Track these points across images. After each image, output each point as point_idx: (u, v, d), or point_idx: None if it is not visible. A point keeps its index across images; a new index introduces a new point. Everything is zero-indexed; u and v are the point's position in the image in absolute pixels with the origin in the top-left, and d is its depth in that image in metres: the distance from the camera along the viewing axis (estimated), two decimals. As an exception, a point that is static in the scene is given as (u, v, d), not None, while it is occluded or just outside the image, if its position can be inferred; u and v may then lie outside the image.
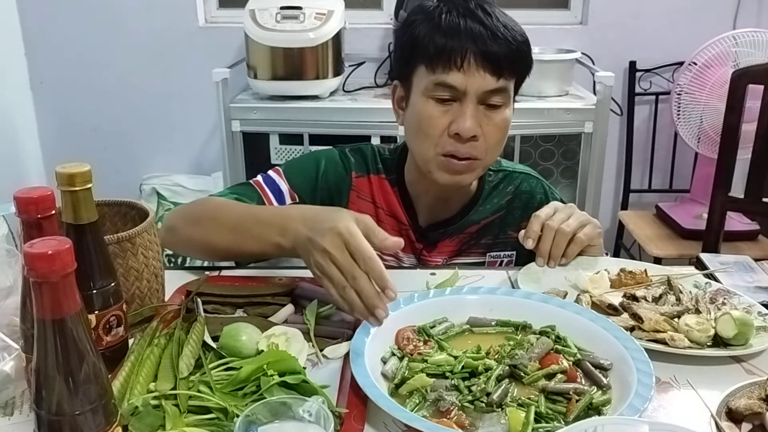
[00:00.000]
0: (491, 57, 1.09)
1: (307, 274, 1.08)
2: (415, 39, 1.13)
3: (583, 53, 2.56)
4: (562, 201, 1.24)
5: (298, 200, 1.25)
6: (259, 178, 1.27)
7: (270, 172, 1.27)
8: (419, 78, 1.14)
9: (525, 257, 1.20)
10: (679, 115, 2.55)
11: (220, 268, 1.17)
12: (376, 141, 2.33)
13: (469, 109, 1.11)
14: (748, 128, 1.99)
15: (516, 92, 1.18)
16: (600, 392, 0.82)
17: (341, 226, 0.90)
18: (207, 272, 1.13)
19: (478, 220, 1.29)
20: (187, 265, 1.77)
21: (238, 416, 0.67)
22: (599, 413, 0.79)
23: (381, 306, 0.88)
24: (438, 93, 1.12)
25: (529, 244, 1.13)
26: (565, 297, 1.05)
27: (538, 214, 1.14)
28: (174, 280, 1.06)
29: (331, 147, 1.33)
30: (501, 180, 1.31)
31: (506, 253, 1.30)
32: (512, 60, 1.11)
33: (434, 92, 1.12)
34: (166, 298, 1.02)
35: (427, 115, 1.13)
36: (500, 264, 1.31)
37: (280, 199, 1.24)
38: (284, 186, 1.24)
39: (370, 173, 1.29)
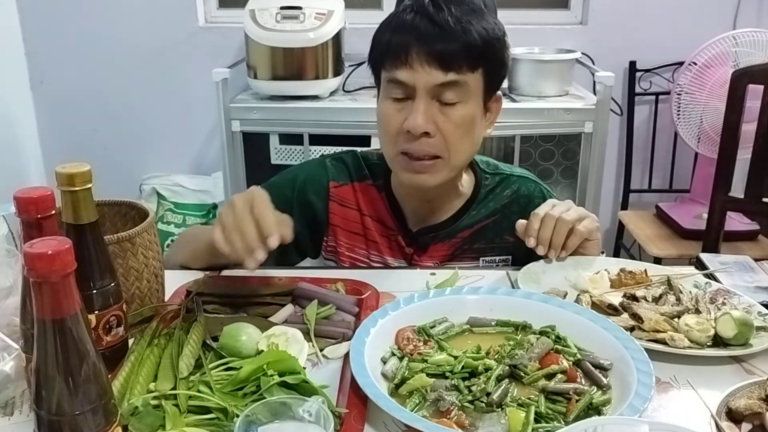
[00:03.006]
0: (435, 52, 1.09)
1: (307, 274, 1.08)
2: (374, 40, 1.18)
3: (583, 53, 2.56)
4: None
5: None
6: None
7: None
8: (383, 79, 1.18)
9: (521, 261, 1.17)
10: (679, 115, 2.55)
11: (220, 269, 1.17)
12: (375, 141, 2.32)
13: (420, 105, 1.11)
14: (748, 128, 1.99)
15: (495, 88, 1.18)
16: (600, 392, 0.82)
17: (255, 190, 1.04)
18: (207, 272, 1.13)
19: (472, 224, 1.27)
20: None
21: (238, 416, 0.67)
22: (599, 413, 0.79)
23: (258, 251, 0.97)
24: (392, 91, 1.14)
25: (531, 243, 1.12)
26: (565, 297, 1.05)
27: (536, 211, 1.14)
28: (174, 280, 1.06)
29: (316, 157, 1.38)
30: (497, 184, 1.29)
31: (501, 257, 1.28)
32: (465, 54, 1.10)
33: (390, 91, 1.14)
34: (166, 298, 1.02)
35: (385, 114, 1.16)
36: (495, 267, 1.29)
37: None
38: None
39: (353, 181, 1.29)
